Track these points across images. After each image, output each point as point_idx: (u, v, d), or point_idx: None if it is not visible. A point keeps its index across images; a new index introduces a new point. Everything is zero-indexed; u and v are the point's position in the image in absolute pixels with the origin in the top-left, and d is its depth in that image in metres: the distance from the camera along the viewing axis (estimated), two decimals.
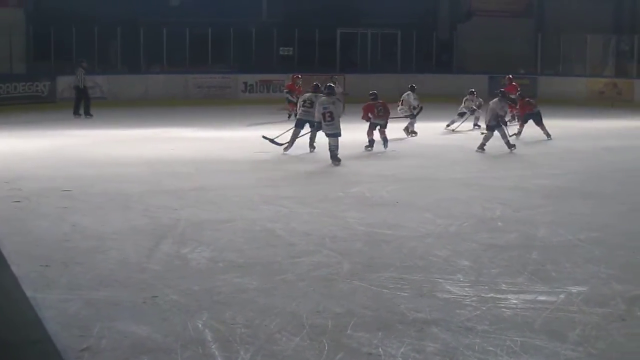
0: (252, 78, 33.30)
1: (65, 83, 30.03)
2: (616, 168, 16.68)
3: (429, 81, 31.84)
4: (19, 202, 12.25)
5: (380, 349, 6.42)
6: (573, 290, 7.94)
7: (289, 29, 34.10)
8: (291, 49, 34.81)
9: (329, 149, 16.61)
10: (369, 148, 18.81)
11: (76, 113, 27.03)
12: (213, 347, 6.43)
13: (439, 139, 21.63)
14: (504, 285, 8.08)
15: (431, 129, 23.13)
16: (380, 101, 19.39)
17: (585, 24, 34.62)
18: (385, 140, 18.94)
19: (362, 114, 19.29)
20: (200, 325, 6.84)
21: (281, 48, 35.01)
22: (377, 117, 19.05)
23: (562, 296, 7.76)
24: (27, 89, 29.82)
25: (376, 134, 18.84)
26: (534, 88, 34.44)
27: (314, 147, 18.05)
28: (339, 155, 16.50)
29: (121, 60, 32.37)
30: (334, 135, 16.68)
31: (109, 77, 31.29)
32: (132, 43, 31.97)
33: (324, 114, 16.87)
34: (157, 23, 32.03)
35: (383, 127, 19.03)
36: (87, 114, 27.02)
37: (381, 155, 17.94)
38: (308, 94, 18.72)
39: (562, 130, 23.11)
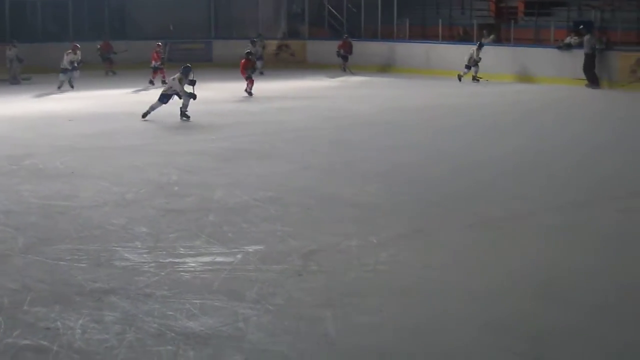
0: None
1: None
2: (289, 128, 17.20)
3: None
4: None
5: (58, 323, 6.29)
6: (250, 250, 8.15)
7: None
8: None
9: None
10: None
11: None
12: None
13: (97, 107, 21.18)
14: (182, 250, 8.16)
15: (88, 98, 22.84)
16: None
17: None
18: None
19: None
20: None
21: None
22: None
23: (239, 256, 7.94)
24: None
25: None
26: (209, 52, 34.80)
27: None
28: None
29: None
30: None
31: None
32: None
33: None
34: None
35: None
36: None
37: (53, 126, 17.45)
38: None
39: (233, 94, 23.45)
